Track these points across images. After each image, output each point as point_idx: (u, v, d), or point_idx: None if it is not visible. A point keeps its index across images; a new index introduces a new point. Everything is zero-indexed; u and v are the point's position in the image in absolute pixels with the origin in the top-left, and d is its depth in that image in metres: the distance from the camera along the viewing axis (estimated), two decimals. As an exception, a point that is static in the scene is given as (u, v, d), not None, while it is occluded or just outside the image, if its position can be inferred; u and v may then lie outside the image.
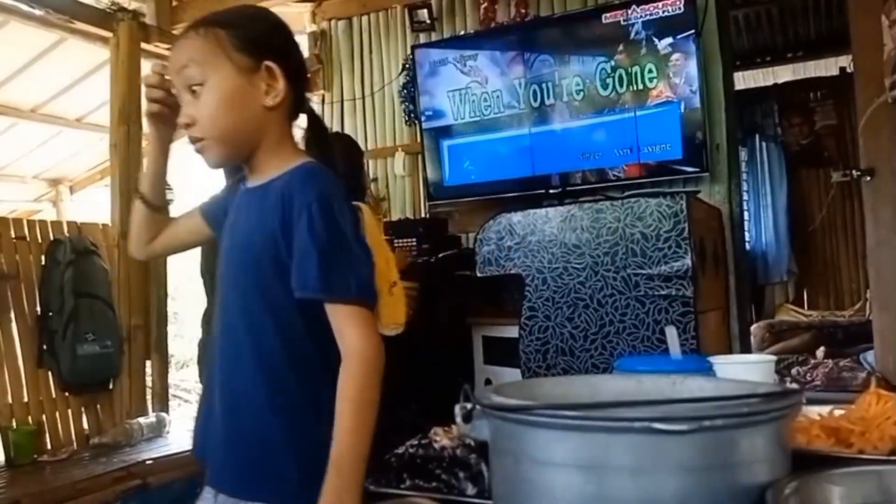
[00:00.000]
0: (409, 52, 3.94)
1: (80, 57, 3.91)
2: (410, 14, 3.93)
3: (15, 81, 4.17)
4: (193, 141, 1.18)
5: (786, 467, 0.82)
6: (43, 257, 3.11)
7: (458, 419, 0.86)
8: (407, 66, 3.95)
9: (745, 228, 4.71)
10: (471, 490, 1.13)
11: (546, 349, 2.76)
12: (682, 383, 0.99)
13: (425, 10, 3.90)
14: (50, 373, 3.06)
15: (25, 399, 2.98)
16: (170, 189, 1.50)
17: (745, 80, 6.07)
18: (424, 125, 3.80)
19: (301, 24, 4.43)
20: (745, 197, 5.78)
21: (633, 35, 3.25)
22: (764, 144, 5.99)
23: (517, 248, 2.83)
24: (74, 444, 3.09)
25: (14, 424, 2.91)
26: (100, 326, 3.13)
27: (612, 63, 3.31)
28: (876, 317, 2.59)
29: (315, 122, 1.30)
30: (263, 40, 1.18)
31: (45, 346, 3.04)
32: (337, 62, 4.32)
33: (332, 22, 4.34)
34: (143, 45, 3.51)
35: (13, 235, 3.05)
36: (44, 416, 3.02)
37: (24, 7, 3.14)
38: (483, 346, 3.25)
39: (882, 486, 0.82)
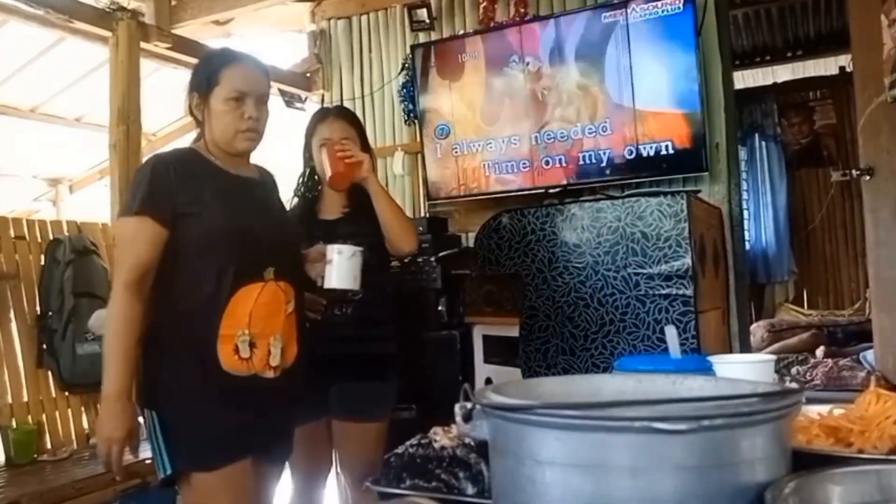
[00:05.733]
0: (408, 51, 3.93)
1: (80, 56, 3.91)
2: (410, 13, 3.93)
3: (14, 81, 4.17)
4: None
5: (785, 467, 0.82)
6: (42, 257, 3.11)
7: (459, 418, 0.86)
8: (406, 65, 3.94)
9: (745, 228, 4.71)
10: (471, 490, 1.13)
11: (546, 348, 2.76)
12: (682, 383, 1.00)
13: (424, 10, 3.89)
14: (50, 372, 3.05)
15: (25, 398, 2.98)
16: None
17: (745, 79, 6.07)
18: (424, 125, 3.80)
19: (300, 23, 4.42)
20: (745, 196, 5.79)
21: (632, 34, 3.25)
22: (763, 144, 6.00)
23: (517, 248, 2.83)
24: (74, 443, 3.09)
25: (14, 424, 2.90)
26: (99, 326, 3.13)
27: (612, 62, 3.31)
28: (875, 316, 2.59)
29: None
30: None
31: (44, 346, 3.04)
32: (336, 62, 4.32)
33: (332, 21, 4.33)
34: (143, 45, 3.50)
35: (13, 235, 3.04)
36: (44, 416, 3.02)
37: (24, 6, 3.13)
38: (483, 345, 3.25)
39: (881, 485, 0.82)
